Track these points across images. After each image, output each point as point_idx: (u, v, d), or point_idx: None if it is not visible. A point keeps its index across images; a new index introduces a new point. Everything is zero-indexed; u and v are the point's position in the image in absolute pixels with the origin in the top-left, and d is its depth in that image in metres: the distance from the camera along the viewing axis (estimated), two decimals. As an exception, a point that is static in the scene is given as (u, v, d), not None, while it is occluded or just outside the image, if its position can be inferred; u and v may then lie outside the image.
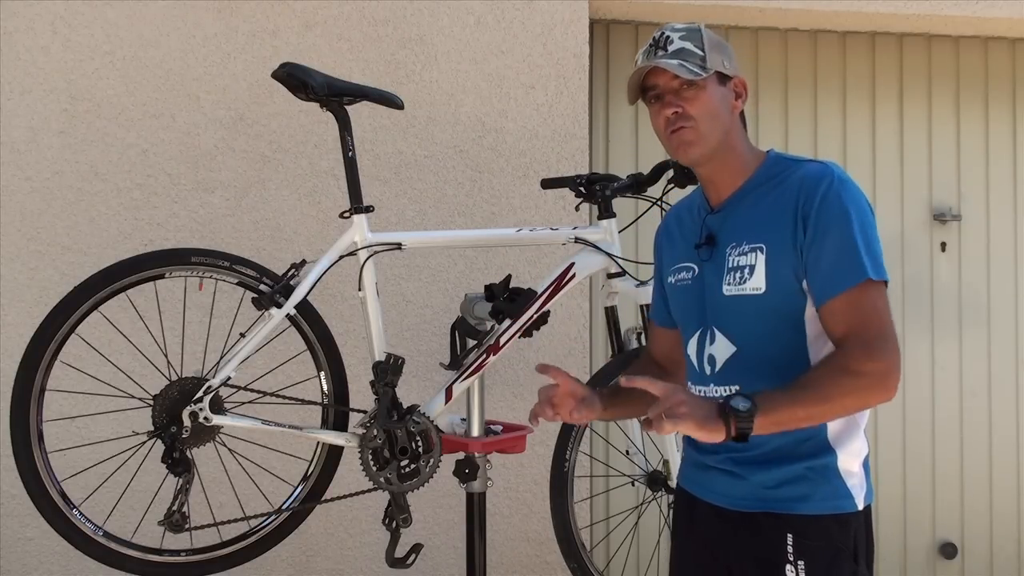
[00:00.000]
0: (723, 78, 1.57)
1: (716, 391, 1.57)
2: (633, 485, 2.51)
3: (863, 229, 1.45)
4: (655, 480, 2.38)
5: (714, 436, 1.35)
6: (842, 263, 1.44)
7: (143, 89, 2.81)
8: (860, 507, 1.50)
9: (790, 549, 1.47)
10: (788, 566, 1.46)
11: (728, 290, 1.53)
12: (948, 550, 3.35)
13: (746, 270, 1.52)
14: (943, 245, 3.38)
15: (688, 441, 1.70)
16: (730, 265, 1.54)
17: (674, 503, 1.75)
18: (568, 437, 2.37)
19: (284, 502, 2.10)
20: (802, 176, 1.51)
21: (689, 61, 1.53)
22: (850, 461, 1.50)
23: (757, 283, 1.50)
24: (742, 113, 1.63)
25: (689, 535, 1.66)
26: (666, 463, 2.34)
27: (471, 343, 2.12)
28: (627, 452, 2.43)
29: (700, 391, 1.60)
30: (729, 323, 1.52)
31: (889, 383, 1.42)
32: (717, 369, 1.57)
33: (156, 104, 2.81)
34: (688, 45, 1.54)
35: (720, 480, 1.57)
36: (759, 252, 1.51)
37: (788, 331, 1.49)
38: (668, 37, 1.56)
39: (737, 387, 1.53)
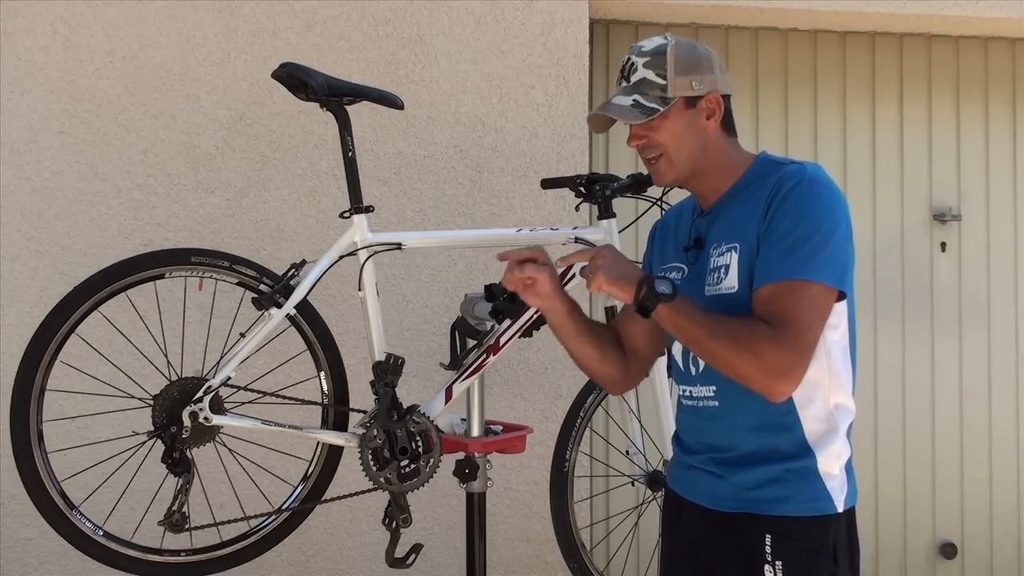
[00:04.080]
0: (692, 99, 1.55)
1: (701, 391, 1.59)
2: (633, 485, 2.51)
3: (815, 230, 1.44)
4: (655, 480, 2.38)
5: (622, 295, 1.48)
6: (776, 256, 1.45)
7: (143, 89, 2.81)
8: (841, 509, 1.51)
9: (768, 549, 1.48)
10: (767, 566, 1.48)
11: (708, 291, 1.55)
12: (948, 550, 3.35)
13: (722, 270, 1.53)
14: (943, 245, 3.38)
15: (675, 442, 1.72)
16: (711, 266, 1.56)
17: (663, 503, 1.77)
18: (568, 437, 2.37)
19: (284, 502, 2.10)
20: (780, 176, 1.51)
21: (648, 95, 1.53)
22: (830, 463, 1.51)
23: (731, 282, 1.51)
24: (729, 116, 1.60)
25: (676, 534, 1.68)
26: (666, 463, 2.34)
27: (471, 343, 2.12)
28: (627, 452, 2.43)
29: (686, 391, 1.63)
30: None
31: (780, 378, 1.42)
32: (701, 369, 1.58)
33: (156, 104, 2.81)
34: (649, 74, 1.54)
35: (703, 480, 1.59)
36: (733, 252, 1.52)
37: None
38: (633, 64, 1.57)
39: (714, 388, 1.56)
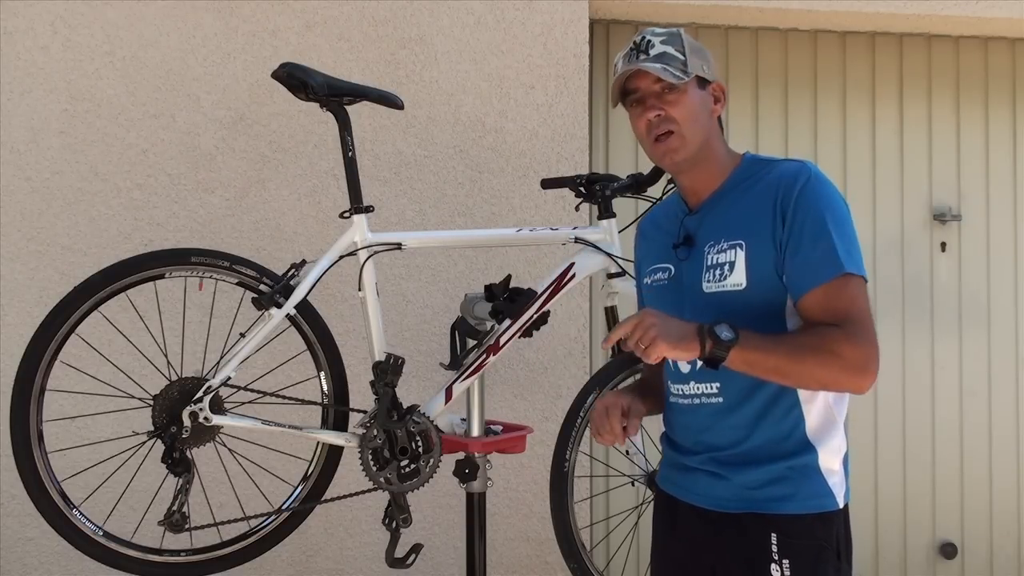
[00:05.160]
0: (702, 82, 1.59)
1: (700, 388, 1.58)
2: (633, 485, 2.51)
3: (840, 225, 1.48)
4: (655, 480, 2.38)
5: (687, 355, 1.42)
6: (819, 257, 1.46)
7: (143, 89, 2.81)
8: (841, 505, 1.53)
9: (775, 548, 1.49)
10: (773, 565, 1.48)
11: (708, 287, 1.55)
12: (948, 550, 3.35)
13: (725, 267, 1.54)
14: (943, 245, 3.38)
15: (667, 442, 1.72)
16: (709, 263, 1.56)
17: (654, 506, 1.76)
18: (568, 437, 2.36)
19: (284, 502, 2.10)
20: (780, 174, 1.53)
21: (671, 65, 1.55)
22: (831, 459, 1.52)
23: (738, 279, 1.52)
24: (719, 117, 1.65)
25: (671, 537, 1.67)
26: (666, 463, 2.34)
27: (471, 343, 2.12)
28: (627, 452, 2.43)
29: (680, 389, 1.63)
30: (709, 320, 1.53)
31: (865, 372, 1.44)
32: (698, 366, 1.58)
33: (156, 104, 2.81)
34: (669, 49, 1.56)
35: (703, 481, 1.59)
36: (738, 249, 1.53)
37: (769, 325, 1.50)
38: (649, 41, 1.58)
39: (718, 384, 1.55)
